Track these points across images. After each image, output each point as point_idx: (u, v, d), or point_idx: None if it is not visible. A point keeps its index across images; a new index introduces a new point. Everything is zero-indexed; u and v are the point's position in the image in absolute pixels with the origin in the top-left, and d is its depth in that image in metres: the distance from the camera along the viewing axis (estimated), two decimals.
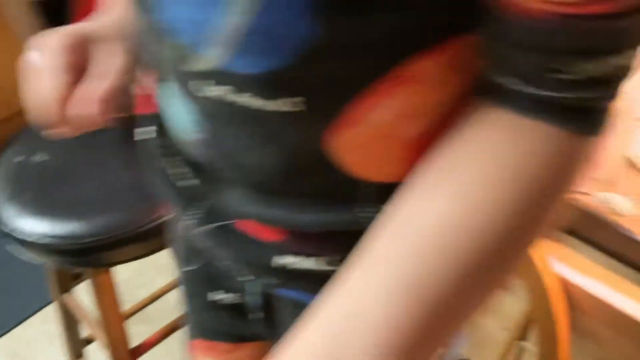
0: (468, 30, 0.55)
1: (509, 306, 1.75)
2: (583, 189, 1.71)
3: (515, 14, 0.48)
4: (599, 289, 1.60)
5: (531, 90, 0.53)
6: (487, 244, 0.51)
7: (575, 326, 1.65)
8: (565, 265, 1.63)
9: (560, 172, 0.55)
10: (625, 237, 1.62)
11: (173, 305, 1.42)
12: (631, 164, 1.82)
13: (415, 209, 0.53)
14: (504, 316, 1.79)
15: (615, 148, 1.80)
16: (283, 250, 0.68)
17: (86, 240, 1.57)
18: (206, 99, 0.57)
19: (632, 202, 1.72)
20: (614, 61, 0.51)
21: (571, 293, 1.61)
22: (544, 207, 0.55)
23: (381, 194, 0.61)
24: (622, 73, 0.54)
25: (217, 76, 0.54)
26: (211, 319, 0.96)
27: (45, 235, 1.53)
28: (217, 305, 0.90)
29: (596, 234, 1.65)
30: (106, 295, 1.82)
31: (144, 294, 2.16)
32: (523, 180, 0.53)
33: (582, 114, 0.54)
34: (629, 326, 1.53)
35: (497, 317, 1.80)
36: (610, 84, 0.54)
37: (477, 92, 0.58)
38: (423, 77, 0.56)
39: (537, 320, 1.59)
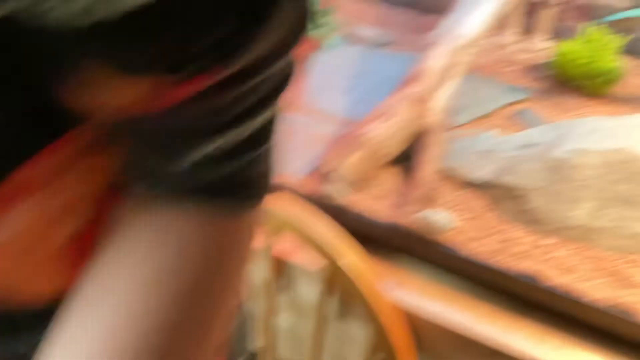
0: (83, 125, 0.48)
1: (360, 333, 1.72)
2: (405, 211, 1.73)
3: (123, 115, 0.42)
4: (434, 307, 1.59)
5: (169, 184, 0.46)
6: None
7: (421, 346, 1.64)
8: (401, 287, 1.62)
9: (226, 253, 0.52)
10: (449, 254, 1.64)
11: None
12: (447, 177, 1.88)
13: (73, 332, 0.48)
14: (357, 343, 1.76)
15: (429, 165, 1.84)
16: None
17: None
18: None
19: (451, 215, 1.76)
20: (250, 125, 0.46)
21: (410, 315, 1.60)
22: (220, 292, 0.52)
23: (48, 315, 0.51)
24: (264, 130, 0.51)
25: None
26: None
27: None
28: None
29: (423, 253, 1.65)
30: None
31: None
32: (185, 277, 0.50)
33: (233, 189, 0.51)
34: (466, 341, 1.53)
35: (353, 344, 1.76)
36: (254, 146, 0.51)
37: (125, 184, 0.50)
38: (43, 183, 0.47)
39: (380, 346, 1.55)
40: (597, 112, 2.23)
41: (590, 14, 2.55)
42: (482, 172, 1.88)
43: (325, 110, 2.26)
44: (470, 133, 2.12)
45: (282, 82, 0.50)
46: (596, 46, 2.28)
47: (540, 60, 2.53)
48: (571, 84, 2.35)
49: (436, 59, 1.96)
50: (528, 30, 2.60)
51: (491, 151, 1.95)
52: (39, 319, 0.54)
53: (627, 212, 1.72)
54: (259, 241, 1.49)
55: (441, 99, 1.94)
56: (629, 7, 2.48)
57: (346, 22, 2.90)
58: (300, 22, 0.48)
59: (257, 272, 1.64)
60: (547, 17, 2.44)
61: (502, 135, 2.09)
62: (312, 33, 2.57)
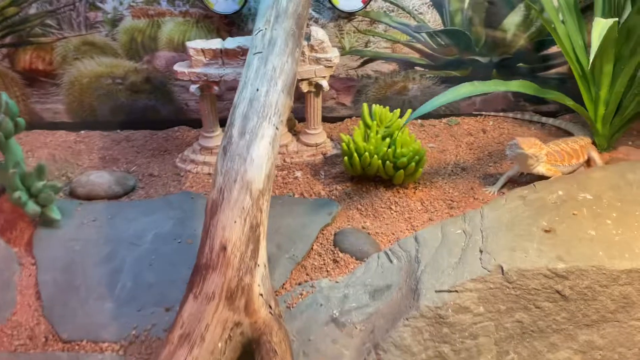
0: None
1: None
2: None
3: None
4: None
5: None
6: None
7: None
8: None
9: None
10: None
11: None
12: None
13: None
14: None
15: None
16: None
17: None
18: None
19: None
20: None
21: None
22: None
23: None
24: None
25: None
26: None
27: None
28: None
29: None
30: None
31: None
32: None
33: None
34: None
35: None
36: None
37: None
38: None
39: None
40: (413, 208, 1.90)
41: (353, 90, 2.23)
42: (346, 357, 1.38)
43: (85, 334, 1.51)
44: (299, 293, 1.60)
45: None
46: (389, 130, 1.95)
47: (323, 153, 2.13)
48: (372, 177, 1.99)
49: (232, 227, 1.39)
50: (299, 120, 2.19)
51: (342, 318, 1.45)
52: None
53: (536, 344, 1.40)
54: None
55: (261, 277, 1.38)
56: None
57: (65, 170, 2.12)
58: None
59: None
60: (317, 105, 2.06)
61: (336, 283, 1.62)
62: (28, 209, 1.75)
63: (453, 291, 1.41)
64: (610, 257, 1.42)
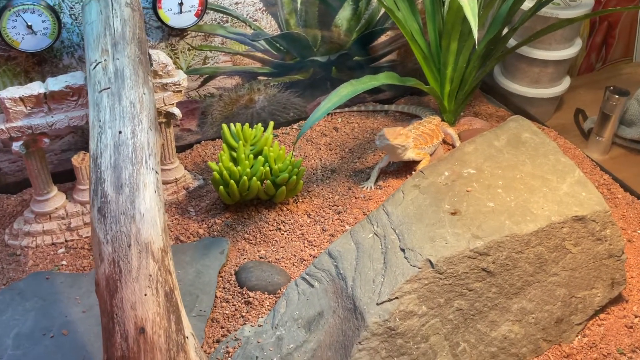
0: None
1: None
2: None
3: None
4: None
5: None
6: None
7: None
8: None
9: None
10: None
11: None
12: None
13: None
14: None
15: None
16: None
17: None
18: None
19: None
20: None
21: None
22: None
23: None
24: None
25: None
26: None
27: None
28: None
29: None
30: None
31: None
32: None
33: None
34: None
35: None
36: None
37: None
38: None
39: None
40: (302, 222, 1.80)
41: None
42: None
43: None
44: (225, 351, 1.39)
45: None
46: (257, 148, 1.82)
47: (185, 188, 1.91)
48: (250, 201, 1.84)
49: (144, 302, 1.13)
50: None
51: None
52: None
53: (479, 327, 1.40)
54: None
55: (194, 350, 1.15)
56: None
57: None
58: None
59: None
60: (170, 136, 1.82)
61: (260, 327, 1.44)
62: None
63: (394, 299, 1.34)
64: (516, 223, 1.48)
